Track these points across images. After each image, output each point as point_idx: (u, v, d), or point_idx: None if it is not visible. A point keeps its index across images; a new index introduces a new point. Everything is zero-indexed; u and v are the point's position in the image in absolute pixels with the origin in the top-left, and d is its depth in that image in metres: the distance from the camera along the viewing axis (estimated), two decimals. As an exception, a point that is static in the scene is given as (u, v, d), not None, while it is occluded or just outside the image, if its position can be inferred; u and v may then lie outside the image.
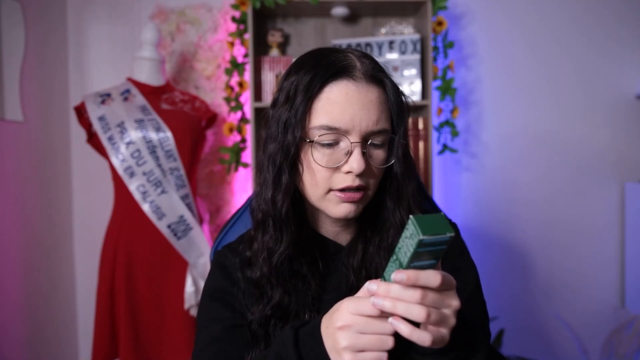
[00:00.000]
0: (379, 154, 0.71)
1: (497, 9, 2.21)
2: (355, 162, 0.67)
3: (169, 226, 1.70)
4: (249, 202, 0.99)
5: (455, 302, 0.54)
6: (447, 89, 2.01)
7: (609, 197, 2.26)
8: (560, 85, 2.24)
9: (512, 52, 2.22)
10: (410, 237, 0.51)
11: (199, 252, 1.76)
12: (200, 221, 1.82)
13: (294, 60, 0.76)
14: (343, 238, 0.80)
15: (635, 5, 2.24)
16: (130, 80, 1.81)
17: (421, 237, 0.49)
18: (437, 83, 2.03)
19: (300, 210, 0.76)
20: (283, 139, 0.69)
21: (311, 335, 0.58)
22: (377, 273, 0.76)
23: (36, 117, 1.87)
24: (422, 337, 0.52)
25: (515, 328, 2.20)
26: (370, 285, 0.55)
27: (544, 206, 2.24)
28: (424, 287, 0.52)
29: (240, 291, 0.76)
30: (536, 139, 2.24)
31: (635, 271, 2.17)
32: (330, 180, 0.70)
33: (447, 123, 2.03)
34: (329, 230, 0.79)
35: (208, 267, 1.71)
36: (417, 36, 1.96)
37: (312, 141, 0.69)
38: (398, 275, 0.51)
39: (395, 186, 0.74)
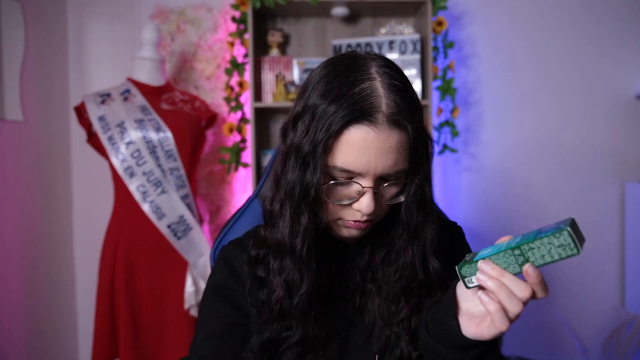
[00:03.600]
0: (390, 190, 0.70)
1: (497, 9, 2.21)
2: (365, 206, 0.67)
3: (169, 226, 1.70)
4: (249, 202, 0.99)
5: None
6: (447, 89, 2.01)
7: (609, 197, 2.26)
8: (560, 85, 2.24)
9: (512, 52, 2.22)
10: (560, 247, 0.54)
11: (199, 252, 1.76)
12: (200, 221, 1.82)
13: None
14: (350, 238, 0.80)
15: (635, 5, 2.24)
16: (130, 80, 1.81)
17: (578, 253, 0.53)
18: (437, 83, 2.03)
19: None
20: (302, 176, 0.68)
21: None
22: (383, 276, 0.75)
23: (36, 117, 1.87)
24: (503, 322, 0.56)
25: (515, 328, 2.19)
26: (484, 265, 0.58)
27: (544, 206, 2.24)
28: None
29: (246, 288, 0.76)
30: (536, 139, 2.24)
31: (635, 271, 2.17)
32: (340, 212, 0.70)
33: (447, 123, 2.03)
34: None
35: (208, 267, 1.72)
36: (417, 36, 1.96)
37: (330, 182, 0.68)
38: (530, 268, 0.55)
39: (412, 224, 0.72)
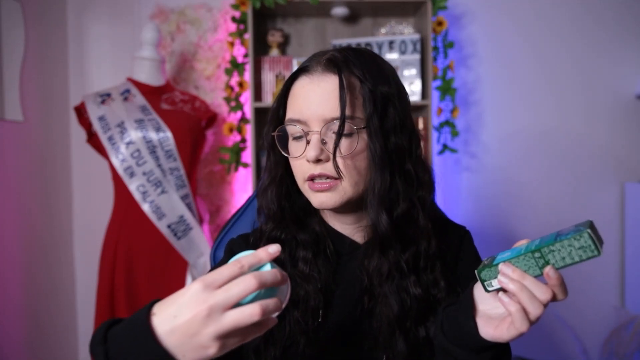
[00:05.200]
0: (344, 143, 0.69)
1: (497, 9, 2.21)
2: (310, 150, 0.70)
3: (169, 226, 1.70)
4: (250, 202, 1.00)
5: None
6: (447, 89, 2.01)
7: (609, 197, 2.26)
8: (560, 85, 2.24)
9: (512, 52, 2.22)
10: (580, 249, 0.55)
11: (199, 252, 1.76)
12: (200, 221, 1.82)
13: (294, 60, 0.80)
14: (359, 236, 0.80)
15: (635, 5, 2.24)
16: (130, 80, 1.81)
17: (598, 255, 0.54)
18: (437, 83, 2.03)
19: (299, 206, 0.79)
20: (268, 133, 0.77)
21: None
22: (390, 281, 0.75)
23: (36, 117, 1.87)
24: (524, 323, 0.57)
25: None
26: (506, 268, 0.58)
27: (544, 206, 2.24)
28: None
29: None
30: (536, 139, 2.24)
31: (635, 271, 2.17)
32: (301, 170, 0.73)
33: (447, 123, 2.03)
34: (342, 228, 0.80)
35: (208, 267, 1.72)
36: (417, 36, 1.96)
37: (283, 135, 0.75)
38: (551, 271, 0.56)
39: (371, 182, 0.72)
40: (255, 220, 0.95)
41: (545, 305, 0.57)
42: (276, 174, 0.78)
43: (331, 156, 0.69)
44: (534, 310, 0.57)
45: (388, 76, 0.74)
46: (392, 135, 0.72)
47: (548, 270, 0.56)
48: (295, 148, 0.74)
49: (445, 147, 2.05)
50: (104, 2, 2.12)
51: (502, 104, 2.23)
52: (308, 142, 0.70)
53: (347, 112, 0.69)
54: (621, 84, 2.25)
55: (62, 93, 2.08)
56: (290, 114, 0.73)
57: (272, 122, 0.77)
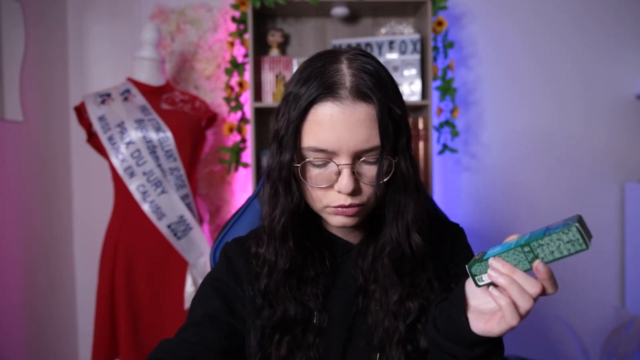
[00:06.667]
0: (370, 170, 0.69)
1: (497, 9, 2.21)
2: (343, 185, 0.67)
3: (169, 226, 1.70)
4: (249, 202, 1.00)
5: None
6: (447, 89, 2.01)
7: (609, 197, 2.26)
8: (560, 85, 2.24)
9: (512, 52, 2.22)
10: (568, 243, 0.56)
11: (199, 252, 1.76)
12: (200, 221, 1.82)
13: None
14: (353, 237, 0.80)
15: (635, 6, 2.24)
16: (130, 80, 1.81)
17: (586, 248, 0.55)
18: (437, 83, 2.03)
19: (303, 222, 0.76)
20: (279, 157, 0.70)
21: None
22: (386, 277, 0.75)
23: (36, 117, 1.87)
24: (514, 317, 0.58)
25: (515, 328, 2.19)
26: (495, 262, 0.59)
27: (544, 206, 2.24)
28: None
29: (240, 285, 0.76)
30: (536, 139, 2.24)
31: (635, 271, 2.17)
32: (325, 197, 0.70)
33: (447, 123, 2.03)
34: (337, 228, 0.79)
35: (208, 267, 1.72)
36: (417, 36, 1.96)
37: (303, 163, 0.69)
38: (540, 264, 0.57)
39: (395, 202, 0.73)
40: (255, 221, 0.95)
41: (535, 299, 0.58)
42: (281, 201, 0.72)
43: (367, 187, 0.69)
44: (524, 304, 0.58)
45: (400, 94, 0.73)
46: (409, 153, 0.73)
47: (537, 264, 0.57)
48: (319, 177, 0.69)
49: (445, 147, 2.05)
50: (104, 2, 2.12)
51: (502, 104, 2.23)
52: (338, 173, 0.68)
53: (377, 142, 0.67)
54: (621, 84, 2.25)
55: (62, 93, 2.08)
56: (314, 142, 0.67)
57: (284, 141, 0.69)
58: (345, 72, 0.67)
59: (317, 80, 0.67)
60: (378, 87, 0.67)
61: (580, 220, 0.55)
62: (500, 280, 0.58)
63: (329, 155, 0.67)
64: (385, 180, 0.69)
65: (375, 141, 0.67)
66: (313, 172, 0.69)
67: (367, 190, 0.70)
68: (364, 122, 0.66)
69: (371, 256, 0.76)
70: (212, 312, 0.74)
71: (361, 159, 0.68)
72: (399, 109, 0.69)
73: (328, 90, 0.66)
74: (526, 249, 0.58)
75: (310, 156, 0.68)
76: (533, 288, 0.58)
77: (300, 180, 0.70)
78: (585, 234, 0.55)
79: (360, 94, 0.66)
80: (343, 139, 0.66)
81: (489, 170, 2.23)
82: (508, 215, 2.23)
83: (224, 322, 0.74)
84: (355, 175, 0.68)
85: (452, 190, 2.23)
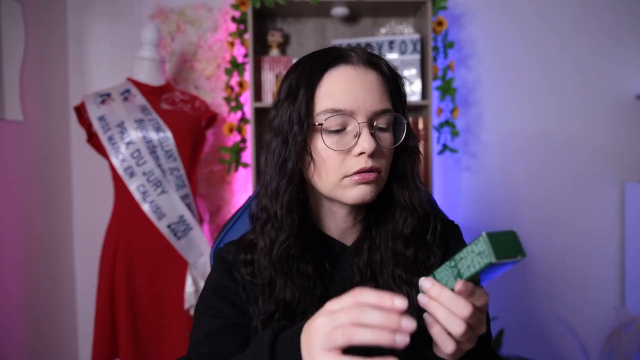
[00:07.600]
0: (386, 136, 0.71)
1: (497, 9, 2.21)
2: (367, 142, 0.67)
3: (169, 226, 1.70)
4: (249, 202, 0.99)
5: (483, 328, 0.55)
6: (447, 89, 2.01)
7: (609, 197, 2.26)
8: (560, 85, 2.24)
9: (512, 52, 2.22)
10: (479, 255, 0.49)
11: (199, 252, 1.76)
12: (200, 221, 1.82)
13: (294, 60, 0.77)
14: (348, 238, 0.80)
15: (635, 5, 2.24)
16: (130, 80, 1.81)
17: (493, 260, 0.48)
18: (437, 83, 2.03)
19: (304, 212, 0.75)
20: (289, 131, 0.69)
21: (290, 337, 0.54)
22: (382, 272, 0.75)
23: (36, 117, 1.87)
24: (447, 345, 0.53)
25: (515, 328, 2.20)
26: (425, 282, 0.54)
27: (544, 206, 2.24)
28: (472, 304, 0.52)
29: (240, 287, 0.76)
30: (536, 139, 2.24)
31: (635, 271, 2.17)
32: (342, 166, 0.69)
33: (447, 123, 2.03)
34: (334, 230, 0.79)
35: (208, 267, 1.72)
36: (417, 36, 1.96)
37: (320, 127, 0.68)
38: (459, 285, 0.51)
39: (400, 168, 0.75)
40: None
41: (468, 321, 0.51)
42: (291, 167, 0.70)
43: (385, 151, 0.71)
44: (454, 329, 0.51)
45: (402, 77, 0.78)
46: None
47: (457, 287, 0.51)
48: (335, 144, 0.68)
49: (445, 147, 2.05)
50: (104, 2, 2.12)
51: (502, 104, 2.23)
52: (357, 135, 0.68)
53: (389, 105, 0.71)
54: (621, 84, 2.25)
55: (62, 93, 2.08)
56: (331, 104, 0.68)
57: (293, 115, 0.68)
58: (349, 49, 0.73)
59: (323, 55, 0.72)
60: (382, 58, 0.74)
61: (500, 232, 0.49)
62: (430, 306, 0.53)
63: (345, 119, 0.68)
64: (400, 142, 0.72)
65: (388, 104, 0.71)
66: (330, 139, 0.69)
67: (383, 157, 0.71)
68: (377, 84, 0.70)
69: (366, 253, 0.76)
70: (228, 320, 0.73)
71: (375, 124, 0.69)
72: (402, 87, 0.75)
73: (340, 57, 0.70)
74: (452, 263, 0.53)
75: (327, 122, 0.68)
76: (462, 310, 0.51)
77: (315, 151, 0.70)
78: (499, 245, 0.48)
79: (369, 62, 0.71)
80: (360, 97, 0.68)
81: (488, 170, 2.23)
82: (508, 215, 2.23)
83: (241, 327, 0.73)
84: (375, 137, 0.69)
85: (452, 190, 2.23)
